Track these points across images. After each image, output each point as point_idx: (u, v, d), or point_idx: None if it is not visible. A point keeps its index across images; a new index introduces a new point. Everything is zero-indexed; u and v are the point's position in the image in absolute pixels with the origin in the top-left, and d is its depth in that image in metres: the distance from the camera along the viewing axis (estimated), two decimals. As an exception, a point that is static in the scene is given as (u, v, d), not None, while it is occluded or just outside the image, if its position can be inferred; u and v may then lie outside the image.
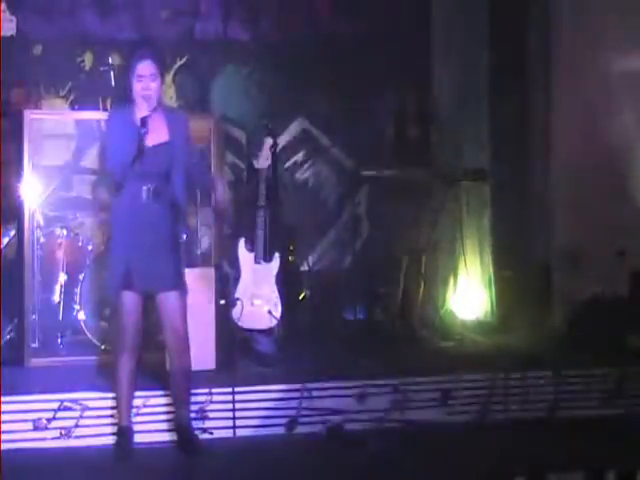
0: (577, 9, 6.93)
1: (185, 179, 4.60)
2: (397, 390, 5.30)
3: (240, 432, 5.08)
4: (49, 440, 4.88)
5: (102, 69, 6.61)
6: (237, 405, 5.10)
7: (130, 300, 4.57)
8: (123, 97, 4.62)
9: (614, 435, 5.04)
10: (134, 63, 4.56)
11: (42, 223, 6.14)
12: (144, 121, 4.45)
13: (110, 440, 4.80)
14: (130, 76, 4.56)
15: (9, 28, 6.67)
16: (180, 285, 4.62)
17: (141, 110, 4.53)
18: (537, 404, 5.47)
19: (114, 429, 4.79)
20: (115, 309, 4.73)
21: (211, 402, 5.08)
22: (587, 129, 6.84)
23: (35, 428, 4.87)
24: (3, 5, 6.65)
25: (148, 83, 4.50)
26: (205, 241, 6.49)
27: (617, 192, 6.81)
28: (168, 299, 4.60)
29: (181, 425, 4.78)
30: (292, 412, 5.15)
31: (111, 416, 4.89)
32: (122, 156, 4.46)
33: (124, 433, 4.71)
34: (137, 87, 4.53)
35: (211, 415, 5.06)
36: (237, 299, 5.94)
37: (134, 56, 4.61)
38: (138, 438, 4.80)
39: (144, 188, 4.51)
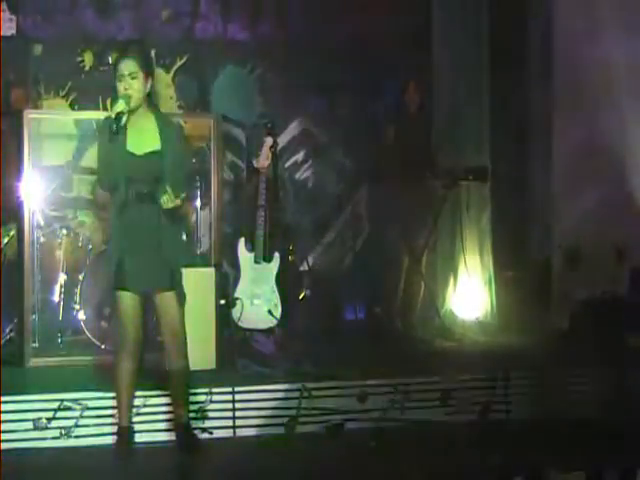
0: (578, 6, 6.95)
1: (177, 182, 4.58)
2: (397, 390, 5.30)
3: (240, 432, 5.08)
4: (49, 440, 4.88)
5: (102, 69, 6.62)
6: (237, 405, 5.10)
7: (128, 300, 4.57)
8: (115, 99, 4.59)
9: (614, 435, 5.04)
10: (116, 64, 4.57)
11: (42, 223, 6.14)
12: (118, 117, 4.44)
13: (110, 440, 4.79)
14: (115, 78, 4.56)
15: (9, 28, 6.68)
16: (175, 285, 4.62)
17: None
18: (537, 404, 5.47)
19: (114, 429, 4.79)
20: (115, 309, 4.73)
21: (211, 402, 5.08)
22: (588, 128, 6.84)
23: (35, 428, 4.87)
24: (3, 5, 6.65)
25: (128, 82, 4.48)
26: (205, 241, 6.50)
27: (617, 192, 6.82)
28: (165, 299, 4.60)
29: (180, 425, 4.78)
30: (292, 412, 5.15)
31: (111, 416, 4.88)
32: (110, 158, 4.48)
33: (124, 433, 4.70)
34: (119, 87, 4.51)
35: (211, 415, 5.06)
36: (237, 299, 5.94)
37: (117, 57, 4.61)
38: (138, 438, 4.80)
39: (136, 192, 4.51)
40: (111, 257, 4.61)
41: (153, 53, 6.46)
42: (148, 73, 4.54)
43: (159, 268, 4.56)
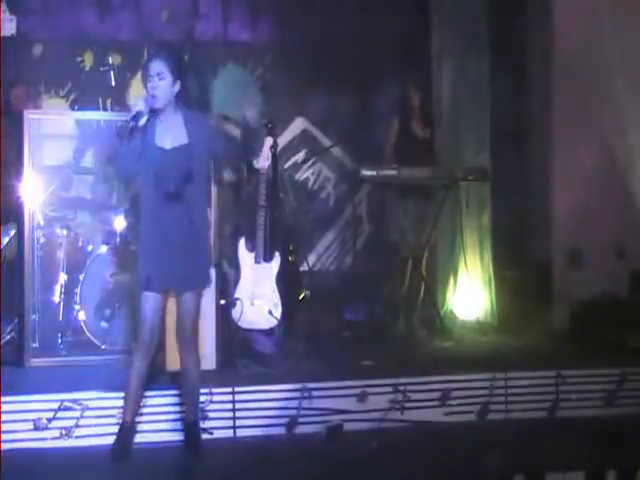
0: (578, 7, 6.95)
1: (207, 180, 4.62)
2: (397, 390, 5.30)
3: (240, 432, 5.08)
4: (49, 440, 4.88)
5: (102, 69, 6.61)
6: (237, 405, 5.10)
7: (153, 301, 4.57)
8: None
9: (614, 435, 5.04)
10: (146, 64, 4.62)
11: (42, 223, 6.13)
12: (136, 116, 4.47)
13: (110, 440, 4.79)
14: (144, 77, 4.61)
15: (9, 28, 6.67)
16: (203, 284, 4.65)
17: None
18: (537, 404, 5.47)
19: (116, 428, 4.78)
20: (137, 309, 4.70)
21: (211, 402, 5.08)
22: (587, 128, 6.84)
23: (35, 428, 4.87)
24: (3, 5, 6.65)
25: (155, 82, 4.53)
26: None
27: (617, 192, 6.82)
28: (189, 300, 4.62)
29: (190, 425, 4.80)
30: (292, 412, 5.15)
31: (111, 416, 4.89)
32: (134, 156, 4.50)
33: (126, 431, 4.70)
34: (148, 87, 4.56)
35: (211, 415, 5.06)
36: (237, 299, 5.94)
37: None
38: (138, 438, 4.80)
39: (165, 190, 4.51)
40: (140, 258, 4.61)
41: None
42: (177, 75, 4.56)
43: (190, 268, 4.57)
